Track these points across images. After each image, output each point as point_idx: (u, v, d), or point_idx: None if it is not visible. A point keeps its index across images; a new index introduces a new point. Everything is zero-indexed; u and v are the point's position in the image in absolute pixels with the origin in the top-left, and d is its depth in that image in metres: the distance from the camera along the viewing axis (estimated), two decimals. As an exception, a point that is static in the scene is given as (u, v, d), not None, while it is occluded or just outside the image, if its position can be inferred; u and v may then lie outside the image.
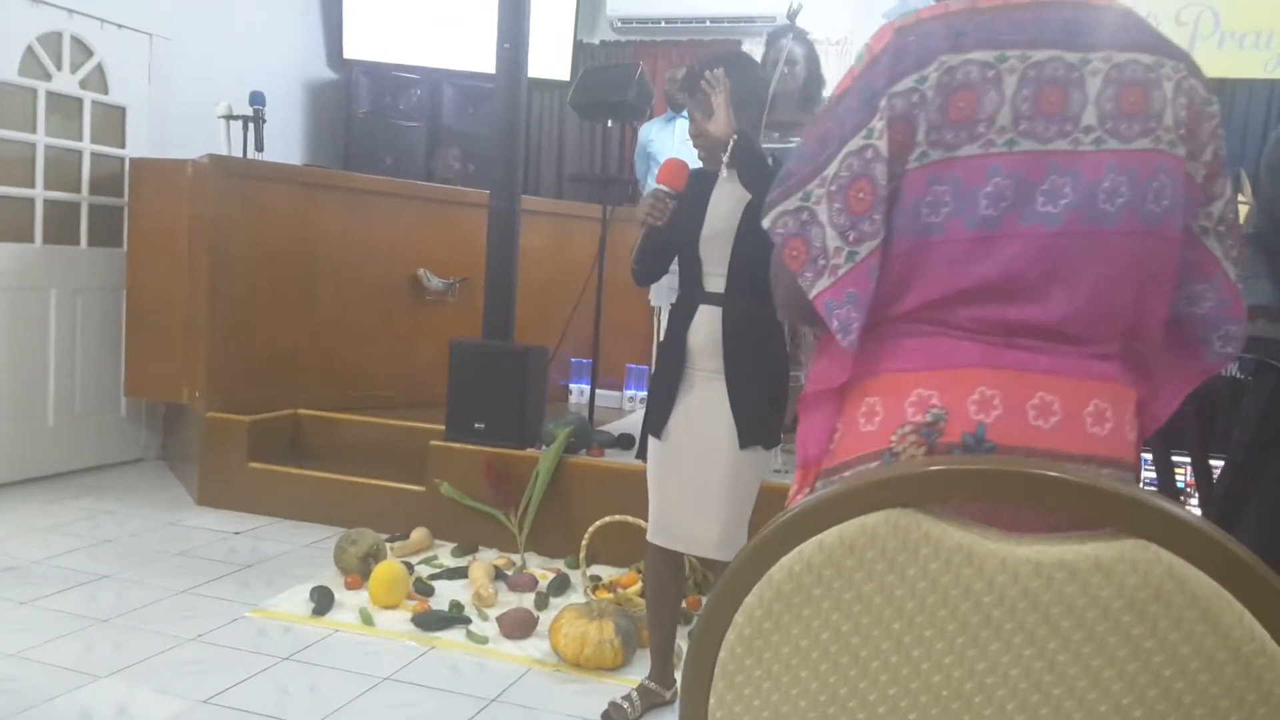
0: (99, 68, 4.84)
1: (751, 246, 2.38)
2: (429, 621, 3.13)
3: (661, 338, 2.56)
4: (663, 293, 4.31)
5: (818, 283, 1.15)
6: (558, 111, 7.01)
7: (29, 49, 4.50)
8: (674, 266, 2.62)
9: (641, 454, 2.64)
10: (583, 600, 3.28)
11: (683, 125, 4.28)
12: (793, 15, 4.10)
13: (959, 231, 1.09)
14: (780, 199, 1.20)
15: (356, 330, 4.97)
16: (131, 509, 4.28)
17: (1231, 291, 1.21)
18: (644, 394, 5.26)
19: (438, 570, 3.66)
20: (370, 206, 5.00)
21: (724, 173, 2.45)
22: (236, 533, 4.04)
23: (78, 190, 4.79)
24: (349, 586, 3.41)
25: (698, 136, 2.48)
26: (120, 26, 4.90)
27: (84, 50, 4.77)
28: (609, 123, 4.82)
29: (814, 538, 0.77)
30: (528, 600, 3.38)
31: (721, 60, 2.53)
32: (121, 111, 4.97)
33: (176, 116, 5.17)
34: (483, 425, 4.07)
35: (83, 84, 4.77)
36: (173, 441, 5.11)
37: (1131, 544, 0.71)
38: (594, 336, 4.52)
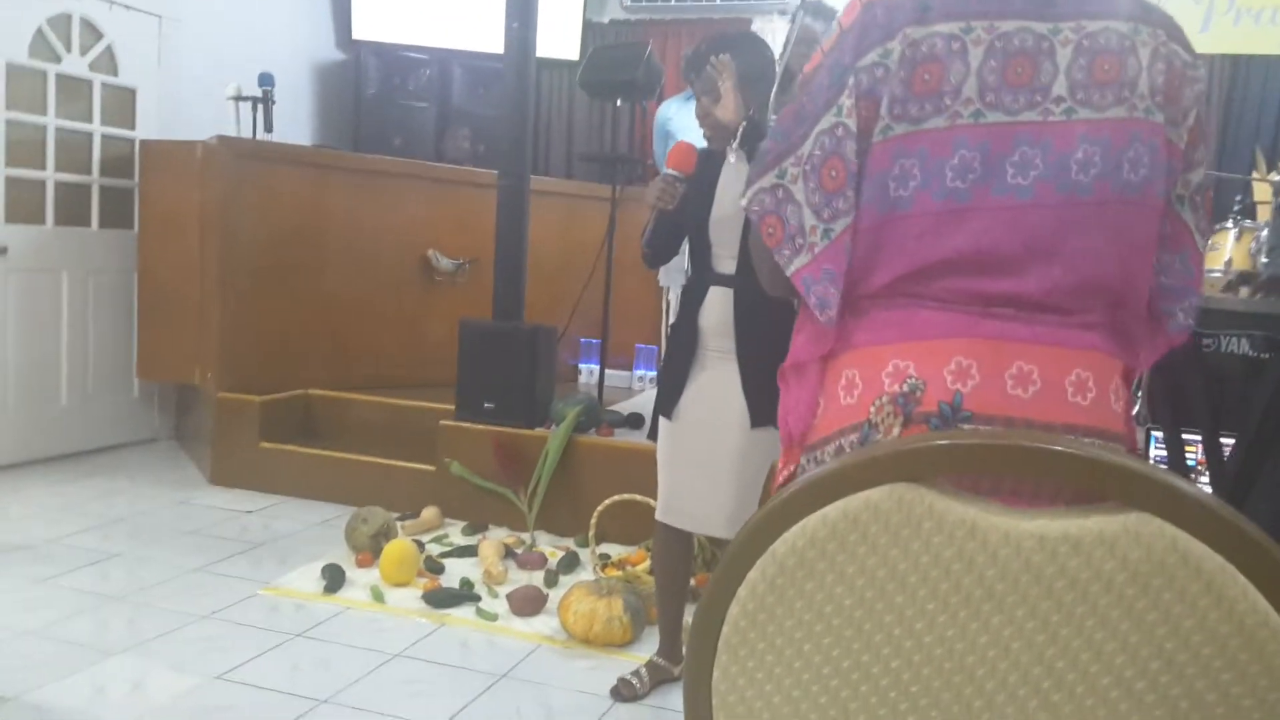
0: (108, 49, 4.85)
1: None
2: (439, 599, 3.15)
3: (671, 318, 2.57)
4: (672, 273, 4.31)
5: (795, 260, 1.15)
6: (567, 91, 6.99)
7: (39, 31, 4.51)
8: (684, 248, 2.62)
9: (653, 435, 2.65)
10: (592, 578, 3.30)
11: (701, 104, 4.26)
12: (801, -9, 4.07)
13: (927, 204, 1.08)
14: (757, 176, 1.20)
15: (366, 311, 4.98)
16: (144, 488, 4.31)
17: (1198, 263, 1.21)
18: (653, 374, 5.27)
19: (448, 548, 3.68)
20: (380, 187, 5.00)
21: (732, 155, 2.44)
22: (248, 511, 4.07)
23: (88, 172, 4.80)
24: (360, 564, 3.43)
25: (705, 117, 2.47)
26: (129, 8, 4.90)
27: (94, 32, 4.77)
28: (618, 102, 4.79)
29: (818, 512, 0.77)
30: (537, 578, 3.40)
31: (728, 40, 2.52)
32: (131, 93, 4.98)
33: (186, 98, 5.18)
34: (492, 405, 4.08)
35: (92, 66, 4.78)
36: (185, 422, 5.15)
37: (1136, 517, 0.71)
38: (603, 316, 4.52)
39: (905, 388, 1.07)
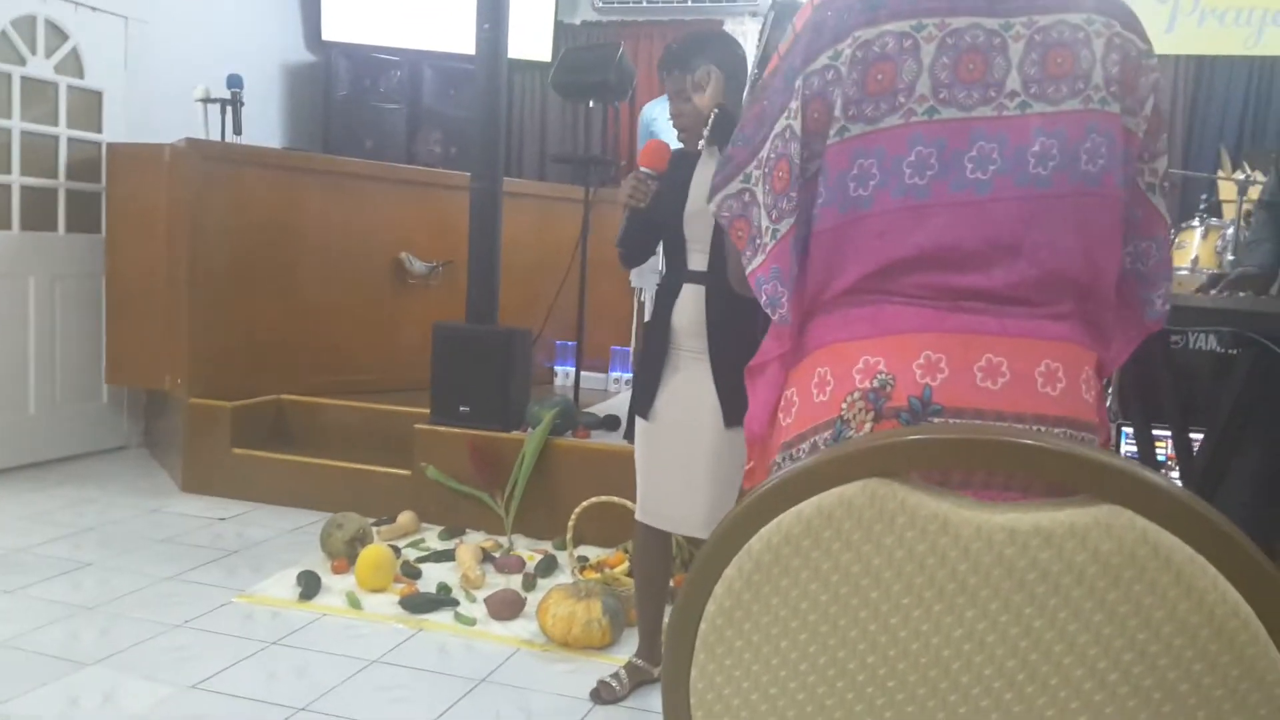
0: (74, 51, 4.79)
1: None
2: (417, 604, 3.14)
3: (644, 319, 2.57)
4: (644, 274, 4.31)
5: (753, 260, 1.17)
6: (539, 92, 6.98)
7: (2, 33, 4.45)
8: (659, 249, 2.62)
9: (630, 435, 2.65)
10: (570, 581, 3.29)
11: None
12: (773, -7, 4.09)
13: (887, 202, 1.09)
14: (724, 183, 1.22)
15: (339, 315, 4.95)
16: (114, 496, 4.26)
17: (1169, 250, 1.23)
18: (629, 375, 5.27)
19: (425, 553, 3.66)
20: (351, 190, 4.97)
21: (704, 148, 2.44)
22: (221, 519, 4.03)
23: (54, 176, 4.74)
24: (336, 570, 3.41)
25: (678, 117, 2.48)
26: (95, 9, 4.85)
27: (59, 34, 4.72)
28: (590, 103, 4.80)
29: (792, 509, 0.78)
30: (515, 581, 3.39)
31: (701, 38, 2.52)
32: (98, 96, 4.92)
33: (154, 100, 5.12)
34: (467, 408, 4.07)
35: (58, 68, 4.72)
36: (155, 428, 5.09)
37: (1106, 510, 0.72)
38: (578, 318, 4.52)
39: (875, 383, 1.07)
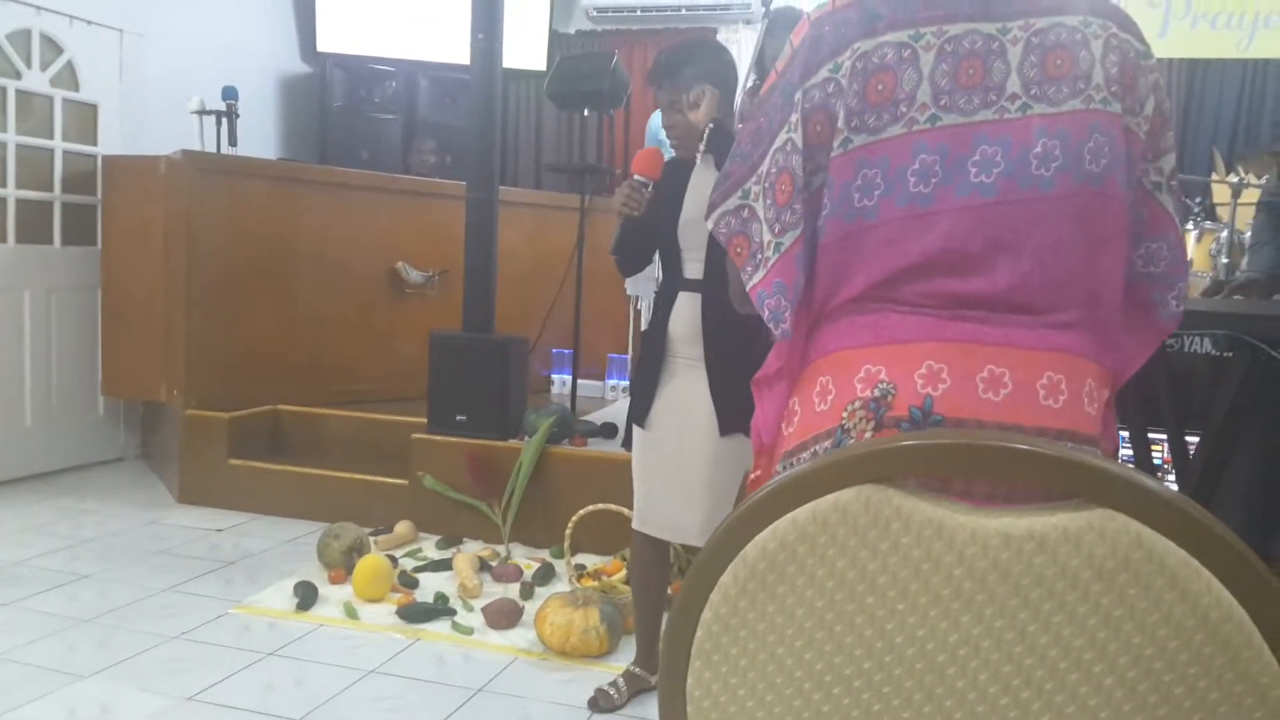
0: (69, 65, 4.80)
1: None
2: (414, 614, 3.13)
3: (640, 327, 2.57)
4: (640, 282, 4.31)
5: (754, 276, 1.17)
6: (534, 102, 7.00)
7: (-3, 47, 4.46)
8: (655, 257, 2.63)
9: (627, 443, 2.65)
10: (568, 589, 3.28)
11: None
12: (767, 2, 4.10)
13: (892, 211, 1.09)
14: (721, 199, 1.22)
15: (336, 325, 4.95)
16: (112, 508, 4.25)
17: (1182, 249, 1.22)
18: (625, 383, 5.27)
19: (422, 563, 3.65)
20: (347, 200, 4.97)
21: (700, 159, 2.45)
22: (218, 530, 4.02)
23: (50, 189, 4.74)
24: (333, 581, 3.40)
25: (672, 128, 2.48)
26: (90, 23, 4.86)
27: (54, 47, 4.72)
28: (585, 112, 4.81)
29: (787, 515, 0.78)
30: (513, 590, 3.39)
31: (691, 48, 2.53)
32: (93, 109, 4.93)
33: (149, 113, 5.13)
34: (464, 417, 4.07)
35: (53, 81, 4.73)
36: (152, 440, 5.08)
37: (1099, 514, 0.72)
38: (574, 326, 4.52)
39: (876, 392, 1.07)
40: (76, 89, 4.84)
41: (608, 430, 4.21)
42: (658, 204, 2.46)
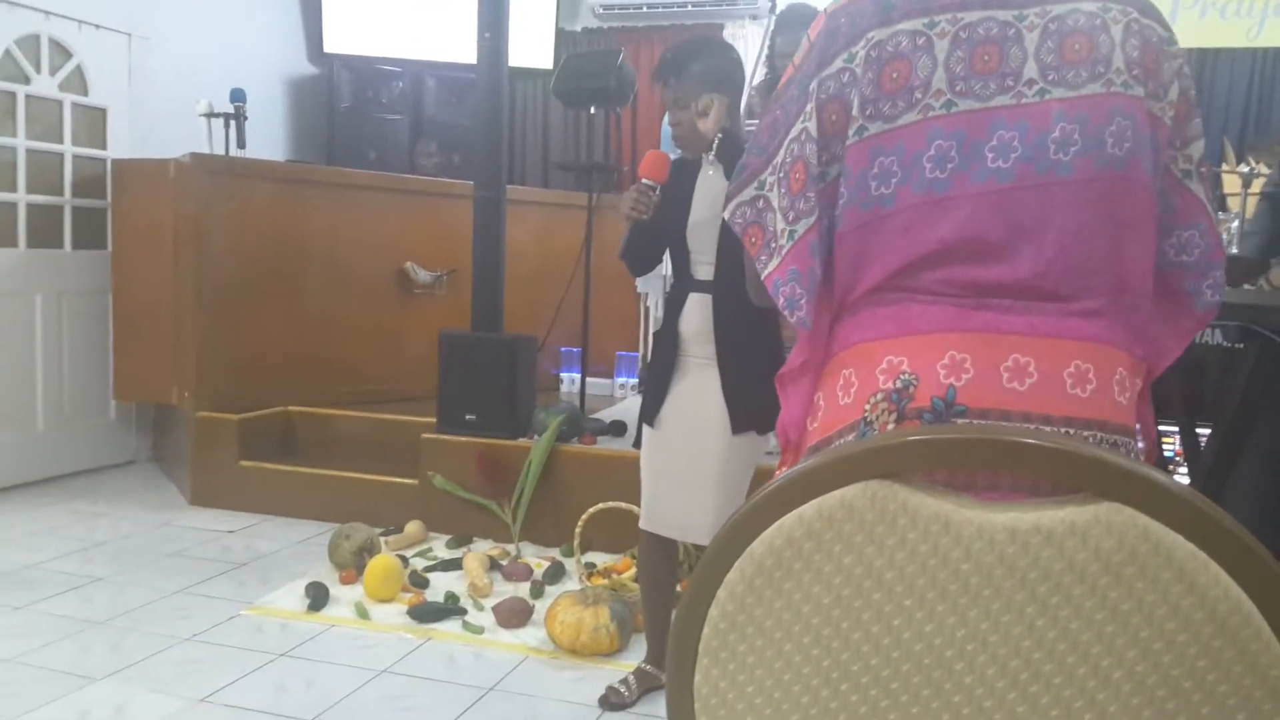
0: (78, 69, 4.82)
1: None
2: (425, 613, 3.14)
3: (650, 324, 2.58)
4: (650, 279, 4.31)
5: (769, 264, 1.17)
6: (541, 100, 7.00)
7: (6, 52, 4.48)
8: (666, 255, 2.62)
9: (639, 443, 2.65)
10: (578, 587, 3.29)
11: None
12: (774, -2, 4.10)
13: (909, 199, 1.09)
14: (737, 190, 1.22)
15: (345, 325, 4.96)
16: (124, 511, 4.27)
17: (1215, 236, 1.19)
18: (634, 381, 5.27)
19: (432, 562, 3.66)
20: (355, 201, 4.98)
21: (709, 164, 2.45)
22: (230, 531, 4.04)
23: (60, 193, 4.76)
24: (344, 581, 3.41)
25: (677, 125, 2.48)
26: (98, 27, 4.87)
27: (63, 52, 4.74)
28: (592, 109, 4.81)
29: (793, 511, 0.78)
30: (523, 589, 3.39)
31: (696, 46, 2.52)
32: (102, 113, 4.95)
33: (158, 116, 5.15)
34: (474, 417, 4.07)
35: (62, 86, 4.75)
36: (164, 443, 5.10)
37: (1106, 507, 0.71)
38: (583, 325, 4.52)
39: (898, 384, 1.07)
40: (85, 93, 4.86)
41: (617, 428, 4.21)
42: (665, 207, 2.45)
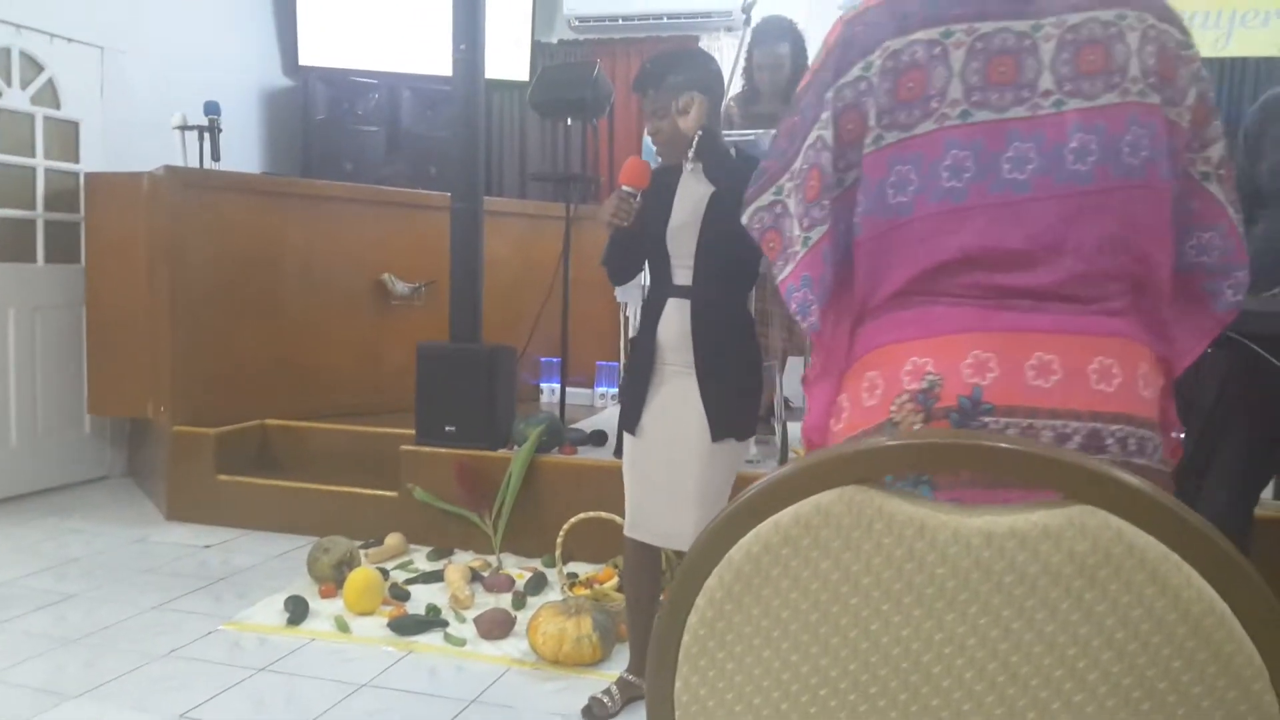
0: (50, 83, 4.78)
1: (717, 236, 2.39)
2: (406, 626, 3.12)
3: (628, 333, 2.57)
4: (628, 289, 4.31)
5: (784, 270, 1.18)
6: (518, 111, 7.00)
7: (-24, 65, 4.44)
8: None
9: (619, 452, 2.65)
10: (560, 598, 3.28)
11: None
12: (747, 9, 4.12)
13: (926, 207, 1.09)
14: (755, 195, 1.23)
15: (322, 338, 4.94)
16: (99, 527, 4.23)
17: (1237, 237, 1.20)
18: (614, 391, 5.27)
19: (413, 575, 3.64)
20: (332, 213, 4.97)
21: (689, 166, 2.46)
22: (207, 546, 4.00)
23: (32, 207, 4.72)
24: (324, 595, 3.39)
25: (656, 134, 2.49)
26: (70, 40, 4.84)
27: (34, 66, 4.71)
28: (569, 121, 4.82)
29: (770, 518, 0.78)
30: (505, 600, 3.38)
31: (676, 56, 2.53)
32: (74, 126, 4.91)
33: (131, 129, 5.11)
34: (453, 428, 4.06)
35: (34, 99, 4.71)
36: (139, 457, 5.06)
37: (1079, 510, 0.72)
38: (562, 335, 4.52)
39: (924, 384, 1.07)
40: (58, 107, 4.82)
41: (597, 438, 4.21)
42: (646, 213, 2.46)
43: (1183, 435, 2.57)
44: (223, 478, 4.32)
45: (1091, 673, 0.74)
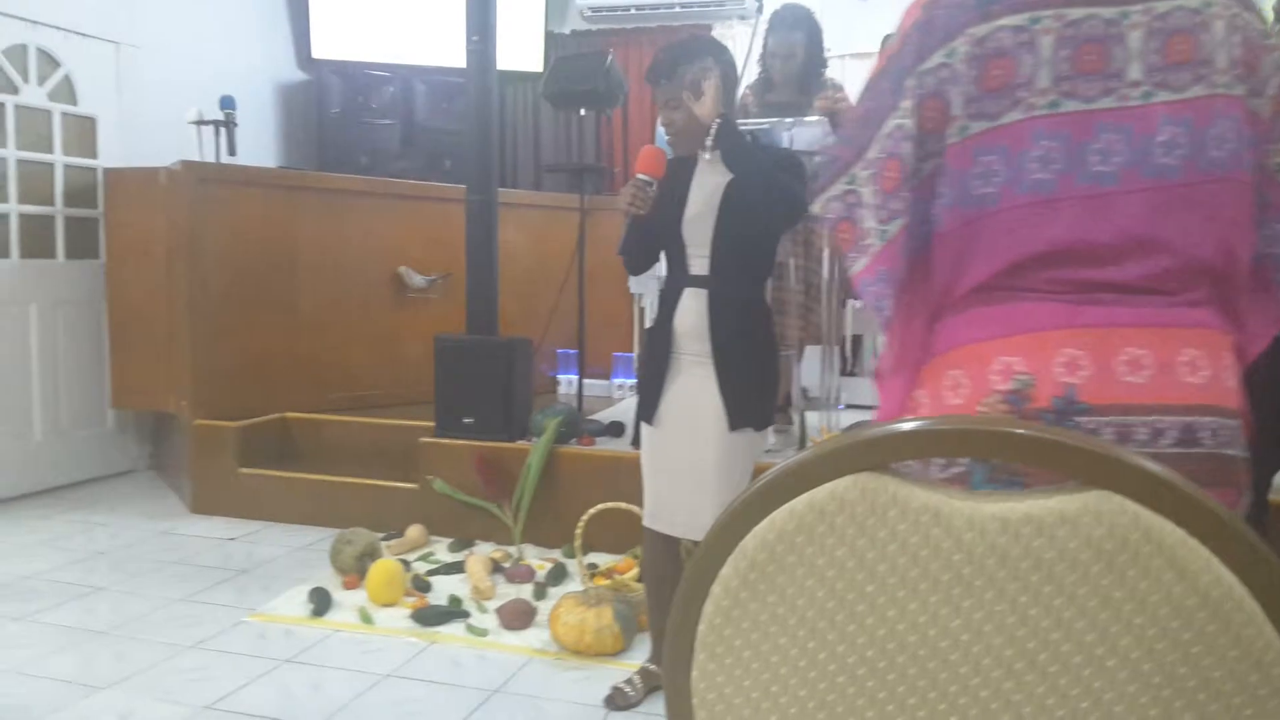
0: (67, 79, 4.81)
1: (733, 226, 2.39)
2: (428, 617, 3.14)
3: (645, 324, 2.58)
4: (642, 279, 4.31)
5: (858, 262, 1.15)
6: (532, 103, 7.00)
7: (-6, 63, 4.48)
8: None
9: (637, 442, 2.65)
10: (580, 588, 3.29)
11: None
12: (759, -1, 4.11)
13: (1013, 199, 1.07)
14: (828, 183, 1.20)
15: (341, 331, 4.96)
16: (124, 520, 4.27)
17: None
18: (632, 381, 5.27)
19: (435, 566, 3.66)
20: (347, 206, 4.98)
21: (706, 155, 2.45)
22: (231, 539, 4.04)
23: (52, 203, 4.76)
24: (347, 586, 3.41)
25: (669, 124, 2.48)
26: (86, 36, 4.87)
27: (51, 62, 4.74)
28: (582, 111, 4.81)
29: (785, 505, 0.78)
30: (526, 591, 3.40)
31: (690, 45, 2.53)
32: (92, 122, 4.95)
33: (148, 124, 5.14)
34: (471, 420, 4.08)
35: (51, 96, 4.75)
36: (162, 451, 5.10)
37: (1096, 495, 0.72)
38: (578, 326, 4.52)
39: (1014, 385, 1.05)
40: (75, 103, 4.86)
41: (615, 429, 4.21)
42: (662, 202, 2.46)
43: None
44: (245, 471, 4.35)
45: (1111, 659, 0.74)
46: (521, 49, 6.40)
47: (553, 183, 6.54)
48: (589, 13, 6.75)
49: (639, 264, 2.67)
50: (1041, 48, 1.06)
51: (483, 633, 3.06)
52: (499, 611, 3.14)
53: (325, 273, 4.92)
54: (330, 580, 3.46)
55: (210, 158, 4.79)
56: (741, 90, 3.84)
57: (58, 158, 4.77)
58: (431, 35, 6.43)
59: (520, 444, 4.00)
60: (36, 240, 4.70)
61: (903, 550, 0.75)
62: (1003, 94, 1.07)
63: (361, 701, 2.62)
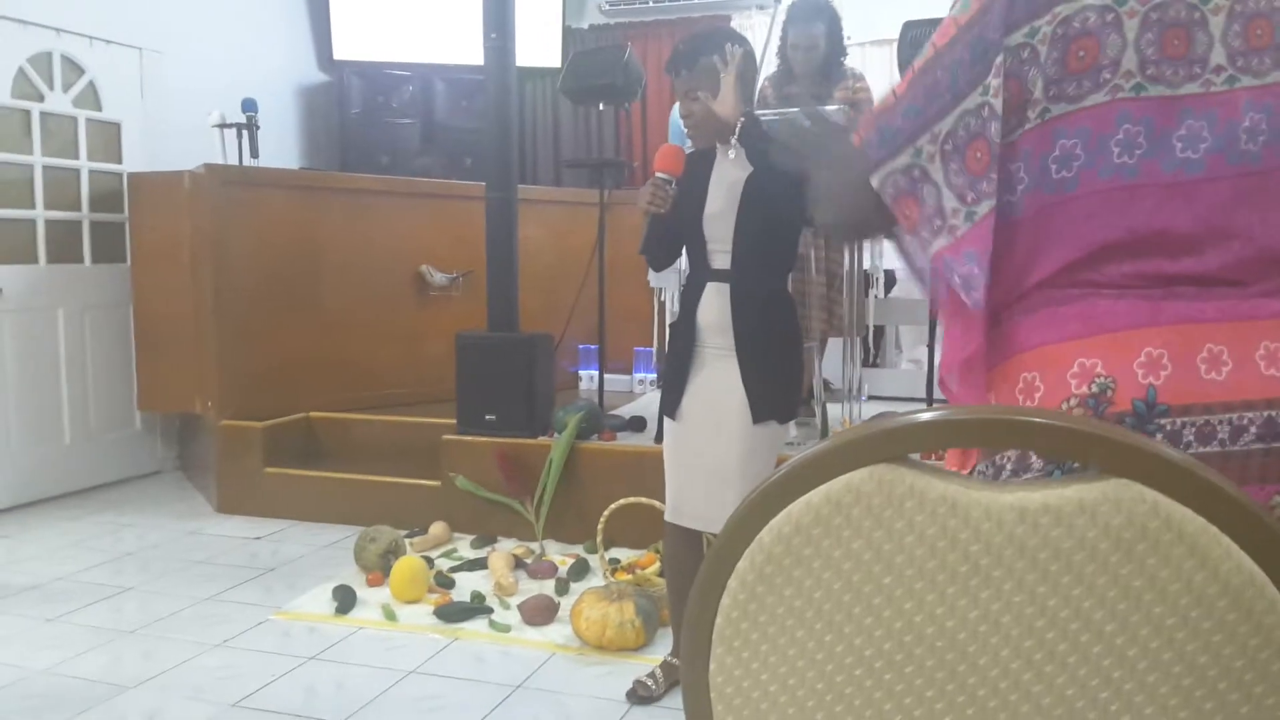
0: (91, 85, 4.87)
1: (755, 221, 2.39)
2: (451, 613, 3.16)
3: (666, 318, 2.58)
4: (664, 274, 4.31)
5: (935, 241, 1.11)
6: (551, 99, 7.01)
7: (20, 70, 4.53)
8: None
9: (659, 438, 2.66)
10: (602, 584, 3.30)
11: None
12: (776, -6, 4.09)
13: (1094, 183, 1.05)
14: (888, 157, 1.14)
15: (363, 330, 4.99)
16: (152, 521, 4.32)
17: None
18: (653, 376, 5.28)
19: (457, 563, 3.68)
20: (369, 206, 5.01)
21: (730, 152, 2.45)
22: (257, 538, 4.08)
23: (78, 209, 4.82)
24: (370, 584, 3.44)
25: (688, 116, 2.48)
26: (109, 43, 4.92)
27: (75, 69, 4.80)
28: (600, 106, 4.81)
29: (801, 498, 0.77)
30: (548, 587, 3.41)
31: (709, 37, 2.52)
32: (116, 127, 5.00)
33: (171, 129, 5.19)
34: (493, 417, 4.09)
35: (76, 102, 4.80)
36: (189, 452, 5.15)
37: (1114, 484, 0.71)
38: (599, 321, 4.53)
39: (1094, 388, 1.03)
40: (99, 109, 4.91)
41: (636, 424, 4.21)
42: (682, 198, 2.46)
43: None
44: (270, 470, 4.39)
45: (1131, 648, 0.73)
46: (540, 45, 6.41)
47: (572, 178, 6.55)
48: (606, 6, 6.76)
49: (661, 261, 2.67)
50: (1127, 30, 1.04)
51: (505, 629, 3.07)
52: (521, 607, 3.15)
53: (348, 272, 4.95)
54: (354, 578, 3.48)
55: (233, 160, 4.84)
56: (760, 82, 3.83)
57: (83, 163, 4.83)
58: (450, 34, 6.45)
59: (542, 440, 4.01)
60: (63, 245, 4.76)
61: (920, 542, 0.75)
62: (1086, 76, 1.05)
63: (385, 698, 2.64)
